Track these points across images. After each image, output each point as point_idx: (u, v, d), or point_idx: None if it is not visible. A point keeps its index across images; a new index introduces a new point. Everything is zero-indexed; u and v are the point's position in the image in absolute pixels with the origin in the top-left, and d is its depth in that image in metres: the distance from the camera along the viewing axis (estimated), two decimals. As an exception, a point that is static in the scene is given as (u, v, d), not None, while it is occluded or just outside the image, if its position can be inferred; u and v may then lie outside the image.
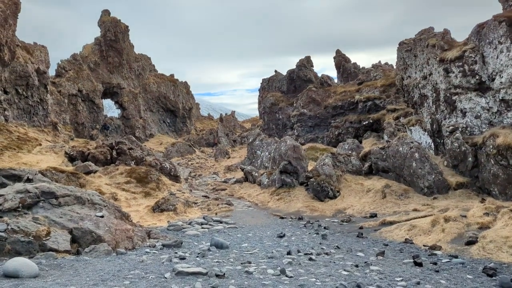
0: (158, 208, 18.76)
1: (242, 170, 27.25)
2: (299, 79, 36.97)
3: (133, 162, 24.66)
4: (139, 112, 48.20)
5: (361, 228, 14.37)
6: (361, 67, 40.89)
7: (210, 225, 15.75)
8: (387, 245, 11.51)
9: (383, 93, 27.86)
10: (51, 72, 39.70)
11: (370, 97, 28.09)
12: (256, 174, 25.39)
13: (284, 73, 40.83)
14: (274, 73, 43.86)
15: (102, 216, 10.91)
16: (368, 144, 26.18)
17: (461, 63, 16.65)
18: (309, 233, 13.76)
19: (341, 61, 39.90)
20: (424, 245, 11.12)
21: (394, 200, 17.72)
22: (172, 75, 57.25)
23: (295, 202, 19.67)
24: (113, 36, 44.21)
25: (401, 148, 18.52)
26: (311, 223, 15.63)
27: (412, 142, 18.22)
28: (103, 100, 45.12)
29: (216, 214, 18.71)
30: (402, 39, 23.18)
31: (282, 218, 17.41)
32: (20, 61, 31.01)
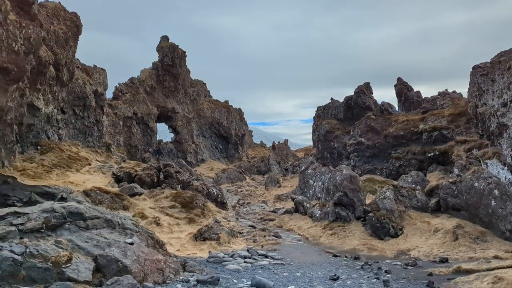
0: (200, 236, 17.50)
1: (293, 200, 25.50)
2: (357, 106, 34.97)
3: (179, 186, 23.76)
4: (192, 137, 48.15)
5: (430, 275, 12.16)
6: (423, 97, 38.33)
7: (254, 259, 14.16)
8: (468, 301, 9.33)
9: (451, 123, 25.31)
10: (109, 94, 40.70)
11: (436, 126, 25.60)
12: (308, 205, 23.55)
13: (341, 101, 39.06)
14: (330, 101, 42.21)
15: (131, 243, 9.70)
16: (434, 178, 23.62)
17: (553, 87, 14.23)
18: (368, 277, 11.76)
19: (402, 89, 37.53)
20: (517, 305, 8.85)
21: (468, 243, 15.24)
22: (226, 101, 57.23)
23: (350, 238, 17.61)
24: (170, 61, 44.88)
25: (476, 184, 16.08)
26: (369, 265, 13.57)
27: (490, 177, 15.77)
28: (157, 123, 45.48)
29: (262, 246, 17.12)
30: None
31: (335, 256, 15.47)
32: (79, 82, 31.75)
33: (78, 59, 34.89)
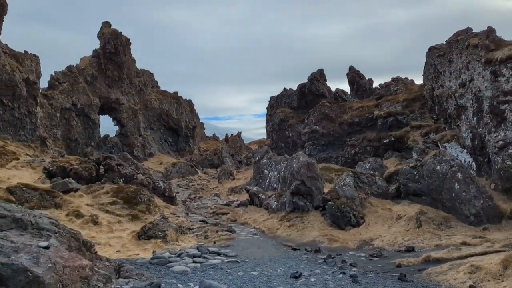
0: (144, 235, 15.62)
1: (247, 191, 24.02)
2: (311, 93, 33.96)
3: (121, 180, 21.56)
4: (138, 129, 45.41)
5: (399, 266, 11.08)
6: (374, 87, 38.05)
7: (204, 257, 12.52)
8: (448, 295, 8.21)
9: (406, 108, 24.79)
10: (44, 84, 37.29)
11: (391, 112, 25.00)
12: (263, 197, 22.15)
13: (294, 89, 37.91)
14: (283, 90, 41.04)
15: (47, 247, 7.72)
16: (390, 164, 22.95)
17: (515, 63, 13.59)
18: (333, 272, 10.48)
19: (355, 77, 37.03)
20: (503, 298, 7.83)
21: (433, 230, 14.41)
22: (175, 93, 54.71)
23: (309, 230, 16.36)
24: (113, 49, 41.84)
25: (438, 167, 15.30)
26: (332, 258, 12.33)
27: (453, 160, 15.03)
28: (100, 116, 42.39)
29: (214, 243, 15.52)
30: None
31: (294, 249, 14.16)
32: (6, 69, 28.49)
33: (6, 44, 31.43)
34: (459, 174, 14.55)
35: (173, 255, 12.82)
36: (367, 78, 37.11)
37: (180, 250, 13.82)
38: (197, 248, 13.66)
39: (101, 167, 22.19)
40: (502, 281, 8.53)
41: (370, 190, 17.04)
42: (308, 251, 13.84)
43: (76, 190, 19.77)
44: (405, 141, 23.44)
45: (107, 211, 18.93)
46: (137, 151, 44.25)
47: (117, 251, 14.37)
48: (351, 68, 38.59)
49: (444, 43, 19.41)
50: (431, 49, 20.43)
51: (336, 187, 16.69)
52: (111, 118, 44.66)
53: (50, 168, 20.94)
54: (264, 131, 47.49)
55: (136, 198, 20.03)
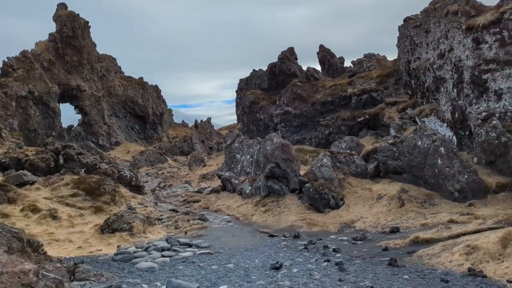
0: (108, 228, 14.28)
1: (219, 177, 22.86)
2: (282, 73, 32.78)
3: (83, 170, 19.98)
4: (103, 117, 43.22)
5: (385, 249, 10.26)
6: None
7: (174, 250, 11.34)
8: (447, 281, 7.35)
9: (380, 84, 24.06)
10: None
11: (365, 89, 24.20)
12: (236, 182, 21.05)
13: (264, 70, 36.61)
14: (252, 71, 39.71)
15: (-23, 252, 6.38)
16: (367, 143, 22.23)
17: (498, 29, 12.87)
18: (316, 260, 9.53)
19: (325, 56, 36.08)
20: (508, 280, 7.04)
21: (416, 208, 13.71)
22: (141, 78, 52.47)
23: (286, 214, 15.40)
24: (70, 32, 39.24)
25: (420, 142, 14.56)
26: (313, 243, 11.42)
27: (435, 134, 14.30)
28: (60, 104, 39.96)
29: (185, 233, 14.36)
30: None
31: (272, 236, 13.18)
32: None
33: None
34: (441, 149, 13.84)
35: (139, 249, 11.60)
36: (338, 57, 36.27)
37: (147, 243, 12.61)
38: (166, 240, 12.47)
39: (60, 157, 20.50)
40: (503, 261, 7.77)
41: (348, 170, 16.20)
42: (286, 237, 12.90)
43: (32, 183, 18.13)
44: (380, 118, 22.76)
45: (67, 204, 17.42)
46: (102, 140, 42.18)
47: (78, 247, 13.02)
48: (321, 47, 37.60)
49: (419, 13, 18.58)
50: (406, 20, 19.60)
51: (313, 168, 15.75)
52: (73, 107, 42.26)
53: (3, 160, 19.11)
54: (235, 117, 46.21)
55: (99, 189, 18.57)
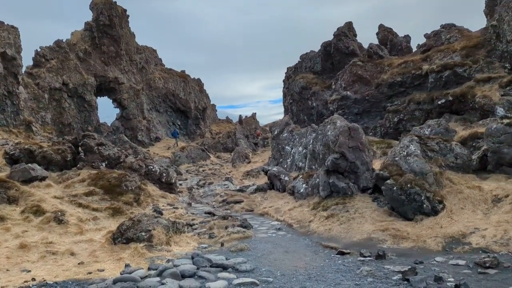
0: (121, 237, 10.91)
1: (266, 173, 18.95)
2: (339, 52, 28.24)
3: (104, 164, 16.74)
4: (142, 111, 40.61)
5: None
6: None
7: (200, 277, 7.61)
8: None
9: (466, 58, 19.20)
10: (28, 61, 32.69)
11: (447, 64, 19.39)
12: (287, 179, 17.07)
13: (317, 51, 32.01)
14: (300, 58, 35.42)
15: None
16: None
17: None
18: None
19: (387, 36, 31.14)
20: None
21: (562, 216, 9.13)
22: (183, 71, 49.65)
23: (359, 221, 11.22)
24: (107, 21, 36.81)
25: (559, 119, 9.87)
26: (415, 271, 7.21)
27: None
28: (97, 97, 37.67)
29: (222, 245, 10.70)
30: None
31: (343, 253, 9.20)
32: (-26, 40, 23.87)
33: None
34: None
35: (151, 272, 7.98)
36: (402, 36, 31.28)
37: (168, 260, 8.99)
38: (192, 258, 8.74)
39: (80, 149, 17.42)
40: None
41: (444, 162, 11.73)
42: (365, 256, 8.81)
43: (42, 179, 15.07)
44: (469, 99, 17.94)
45: (80, 205, 14.21)
46: (141, 135, 39.56)
47: (78, 264, 9.56)
48: (381, 26, 32.70)
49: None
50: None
51: (396, 158, 11.43)
52: (111, 100, 39.93)
53: (12, 152, 16.21)
54: (282, 116, 42.16)
55: (121, 186, 15.27)
